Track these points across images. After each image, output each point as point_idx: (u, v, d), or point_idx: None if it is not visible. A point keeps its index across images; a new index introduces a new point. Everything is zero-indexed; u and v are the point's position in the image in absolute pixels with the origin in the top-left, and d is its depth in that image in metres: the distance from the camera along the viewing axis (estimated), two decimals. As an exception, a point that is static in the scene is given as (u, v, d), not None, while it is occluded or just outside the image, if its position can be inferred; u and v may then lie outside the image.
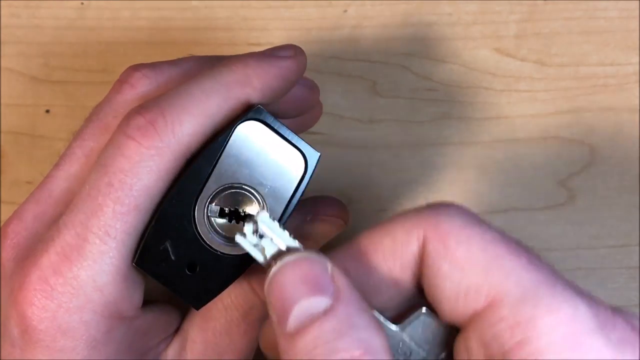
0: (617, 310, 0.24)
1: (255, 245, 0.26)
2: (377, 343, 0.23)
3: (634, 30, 0.41)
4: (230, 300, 0.31)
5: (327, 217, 0.33)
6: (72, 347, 0.27)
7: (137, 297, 0.29)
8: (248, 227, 0.26)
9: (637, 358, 0.23)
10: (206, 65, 0.30)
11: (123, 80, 0.30)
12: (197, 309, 0.29)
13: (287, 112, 0.32)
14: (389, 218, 0.27)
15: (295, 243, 0.26)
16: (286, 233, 0.26)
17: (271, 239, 0.26)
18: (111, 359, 0.28)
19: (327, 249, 0.29)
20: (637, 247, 0.40)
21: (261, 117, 0.28)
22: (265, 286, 0.25)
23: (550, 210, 0.40)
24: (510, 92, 0.41)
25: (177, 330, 0.31)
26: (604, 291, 0.39)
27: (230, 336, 0.31)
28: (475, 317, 0.24)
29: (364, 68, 0.41)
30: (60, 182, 0.29)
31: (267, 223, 0.26)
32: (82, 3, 0.42)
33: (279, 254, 0.26)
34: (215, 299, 0.29)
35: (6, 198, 0.41)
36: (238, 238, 0.26)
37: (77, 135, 0.30)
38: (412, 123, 0.41)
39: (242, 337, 0.31)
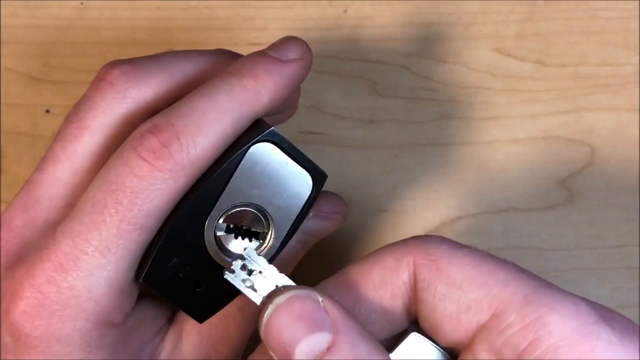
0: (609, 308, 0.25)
1: (244, 281, 0.26)
2: None
3: (634, 30, 0.41)
4: None
5: (328, 214, 0.33)
6: (67, 353, 0.27)
7: (129, 307, 0.29)
8: (236, 264, 0.26)
9: (639, 345, 0.24)
10: (184, 60, 0.30)
11: (101, 78, 0.29)
12: (200, 322, 0.29)
13: (272, 110, 0.31)
14: (375, 250, 0.27)
15: (282, 278, 0.26)
16: (274, 269, 0.26)
17: (259, 275, 0.26)
18: (108, 359, 0.28)
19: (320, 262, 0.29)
20: (637, 247, 0.40)
21: (275, 139, 0.28)
22: (261, 329, 0.25)
23: (550, 210, 0.40)
24: (510, 92, 0.41)
25: (171, 320, 0.31)
26: (604, 291, 0.39)
27: (225, 328, 0.31)
28: (481, 329, 0.25)
29: (364, 68, 0.41)
30: (47, 188, 0.29)
31: (254, 259, 0.26)
32: (82, 3, 0.42)
33: (269, 290, 0.26)
34: None
35: (6, 198, 0.41)
36: (227, 275, 0.26)
37: (57, 136, 0.29)
38: (412, 123, 0.41)
39: (238, 329, 0.31)
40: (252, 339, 0.32)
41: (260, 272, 0.26)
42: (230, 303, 0.31)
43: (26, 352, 0.27)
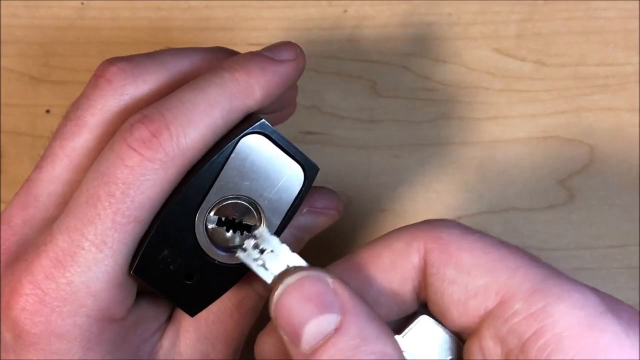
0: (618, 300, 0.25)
1: (256, 260, 0.26)
2: (390, 351, 0.24)
3: (634, 30, 0.41)
4: None
5: (322, 209, 0.33)
6: (67, 349, 0.27)
7: (129, 301, 0.29)
8: (248, 243, 0.27)
9: None
10: (181, 57, 0.30)
11: (99, 75, 0.29)
12: (192, 316, 0.29)
13: (266, 109, 0.32)
14: (386, 233, 0.28)
15: (294, 257, 0.26)
16: (286, 248, 0.26)
17: (271, 253, 0.26)
18: (108, 356, 0.28)
19: (325, 252, 0.29)
20: (637, 247, 0.40)
21: (265, 131, 0.28)
22: (271, 308, 0.25)
23: (550, 210, 0.40)
24: (510, 92, 0.41)
25: (169, 318, 0.31)
26: (604, 291, 0.39)
27: (223, 325, 0.31)
28: (488, 316, 0.25)
29: (364, 68, 0.41)
30: (45, 185, 0.29)
31: (266, 238, 0.27)
32: (82, 3, 0.42)
33: (280, 270, 0.26)
34: None
35: (6, 198, 0.41)
36: (239, 253, 0.27)
37: (56, 134, 0.29)
38: (412, 123, 0.41)
39: (235, 326, 0.31)
40: (251, 336, 0.32)
41: (272, 251, 0.26)
42: (227, 300, 0.31)
43: (26, 349, 0.27)
